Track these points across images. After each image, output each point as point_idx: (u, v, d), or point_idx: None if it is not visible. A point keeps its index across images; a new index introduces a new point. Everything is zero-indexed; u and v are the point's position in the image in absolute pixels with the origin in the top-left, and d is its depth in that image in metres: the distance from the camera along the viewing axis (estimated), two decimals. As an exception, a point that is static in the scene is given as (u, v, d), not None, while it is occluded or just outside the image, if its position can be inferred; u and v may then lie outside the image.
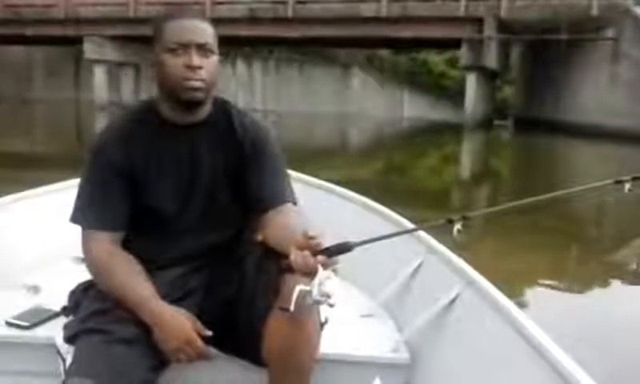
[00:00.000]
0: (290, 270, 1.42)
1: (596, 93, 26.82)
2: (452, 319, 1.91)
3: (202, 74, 1.63)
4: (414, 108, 46.73)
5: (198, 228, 1.74)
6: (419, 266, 2.24)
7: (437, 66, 51.56)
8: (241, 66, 42.13)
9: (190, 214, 1.72)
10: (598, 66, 26.84)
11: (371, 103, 45.36)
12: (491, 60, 28.02)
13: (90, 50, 34.27)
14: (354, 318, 2.16)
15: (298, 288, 1.34)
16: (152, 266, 1.68)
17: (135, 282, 1.59)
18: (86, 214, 1.68)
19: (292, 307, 1.35)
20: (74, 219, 1.69)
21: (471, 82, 28.70)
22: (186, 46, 1.62)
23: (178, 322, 1.54)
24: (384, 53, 48.48)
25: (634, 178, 1.63)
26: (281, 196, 1.72)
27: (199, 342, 1.56)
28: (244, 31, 29.53)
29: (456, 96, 51.41)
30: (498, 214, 1.69)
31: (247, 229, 1.80)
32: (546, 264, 5.33)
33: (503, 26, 27.83)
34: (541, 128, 27.77)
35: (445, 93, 50.78)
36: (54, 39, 35.38)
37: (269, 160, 1.73)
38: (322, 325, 1.63)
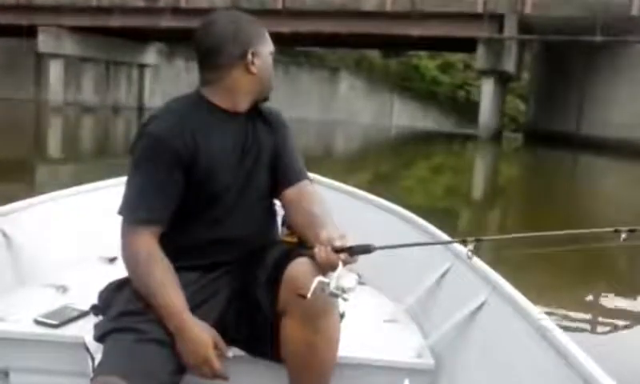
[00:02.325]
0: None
1: (630, 103, 23.11)
2: (478, 326, 1.85)
3: None
4: (404, 116, 45.39)
5: (234, 218, 1.73)
6: (445, 272, 2.17)
7: (429, 71, 48.56)
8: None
9: (234, 195, 1.73)
10: (633, 72, 23.10)
11: (359, 109, 43.35)
12: (510, 63, 24.04)
13: (45, 42, 29.58)
14: (379, 323, 2.14)
15: (318, 279, 1.39)
16: (181, 265, 1.65)
17: (168, 290, 1.56)
18: (133, 206, 1.63)
19: (309, 294, 1.37)
20: (122, 209, 1.65)
21: (487, 88, 24.70)
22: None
23: (199, 341, 1.53)
24: (374, 56, 45.52)
25: (631, 230, 1.64)
26: (302, 173, 1.82)
27: (216, 364, 1.55)
28: None
29: (447, 103, 49.87)
30: (507, 242, 1.72)
31: (272, 228, 1.88)
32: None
33: (525, 25, 23.82)
34: (558, 142, 24.19)
35: (437, 100, 48.31)
36: (5, 29, 30.53)
37: (290, 143, 1.83)
38: (341, 316, 1.64)
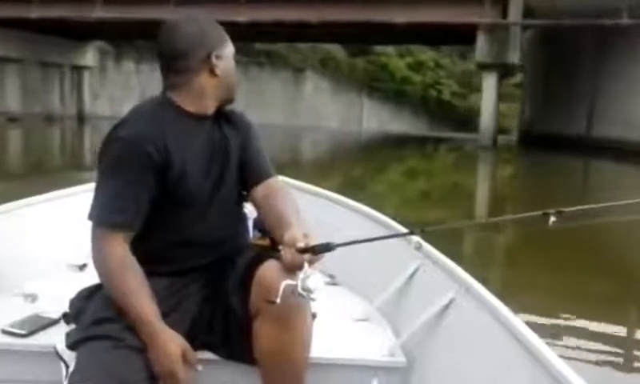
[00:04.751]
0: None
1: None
2: (448, 323, 1.84)
3: None
4: (374, 118, 42.28)
5: (205, 222, 1.70)
6: (415, 270, 2.14)
7: (399, 70, 44.57)
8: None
9: (205, 199, 1.69)
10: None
11: (326, 112, 39.71)
12: (515, 55, 19.32)
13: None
14: (351, 323, 2.09)
15: (284, 282, 1.38)
16: (152, 270, 1.60)
17: (140, 298, 1.52)
18: (105, 211, 1.58)
19: (278, 300, 1.37)
20: (92, 215, 1.59)
21: (490, 85, 20.05)
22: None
23: (166, 352, 1.48)
24: (341, 55, 41.62)
25: (558, 211, 1.64)
26: (269, 170, 1.81)
27: (180, 377, 1.49)
28: (169, 14, 19.96)
29: (419, 104, 46.22)
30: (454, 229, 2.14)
31: (242, 231, 1.87)
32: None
33: (531, 9, 19.10)
34: (563, 146, 19.99)
35: (408, 101, 44.64)
36: None
37: (256, 142, 1.82)
38: (312, 316, 1.61)
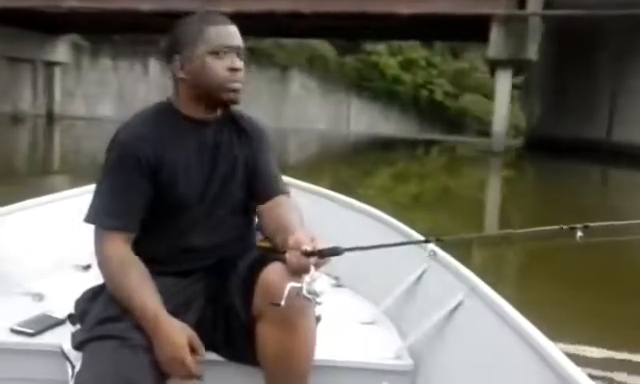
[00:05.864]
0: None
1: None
2: (455, 326, 1.83)
3: (242, 76, 1.68)
4: (363, 119, 40.89)
5: (206, 228, 1.69)
6: (422, 273, 2.13)
7: (389, 69, 42.91)
8: (154, 65, 31.94)
9: (205, 206, 1.68)
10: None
11: (313, 113, 38.20)
12: (533, 51, 17.37)
13: None
14: (358, 325, 2.08)
15: (290, 285, 1.37)
16: (156, 270, 1.61)
17: (143, 291, 1.52)
18: (103, 212, 1.60)
19: (283, 302, 1.35)
20: (89, 217, 1.61)
21: (504, 84, 18.17)
22: (230, 50, 1.64)
23: (172, 340, 1.46)
24: (329, 53, 39.83)
25: (585, 226, 1.62)
26: (278, 189, 1.75)
27: (189, 362, 1.46)
28: (147, 5, 18.29)
29: (409, 105, 44.69)
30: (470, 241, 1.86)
31: (247, 237, 1.82)
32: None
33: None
34: (580, 152, 18.12)
35: (398, 101, 43.16)
36: None
37: (268, 154, 1.78)
38: (317, 319, 1.60)
